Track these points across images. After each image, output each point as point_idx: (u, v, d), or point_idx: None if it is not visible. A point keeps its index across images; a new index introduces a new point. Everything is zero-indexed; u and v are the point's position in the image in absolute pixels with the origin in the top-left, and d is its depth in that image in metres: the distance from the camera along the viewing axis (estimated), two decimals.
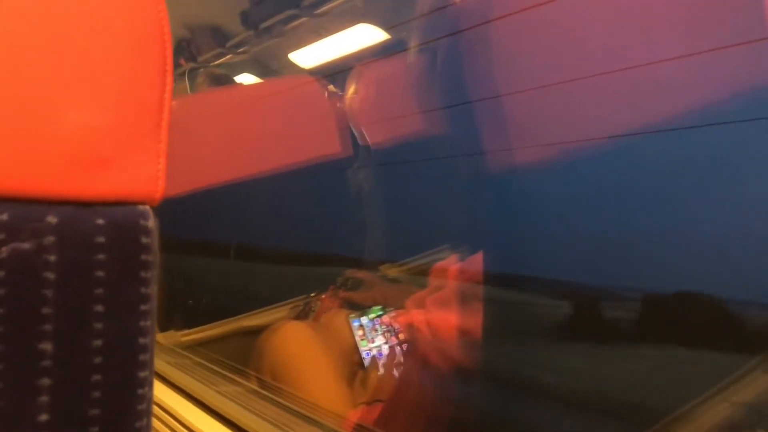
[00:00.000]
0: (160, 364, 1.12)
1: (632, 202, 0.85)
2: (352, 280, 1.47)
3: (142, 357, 0.39)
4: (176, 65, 3.54)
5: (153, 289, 0.40)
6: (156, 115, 0.40)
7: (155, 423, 0.93)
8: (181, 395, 0.98)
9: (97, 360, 0.37)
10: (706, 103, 0.89)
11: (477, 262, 0.80)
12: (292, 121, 1.58)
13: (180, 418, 0.90)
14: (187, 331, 1.37)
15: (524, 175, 0.75)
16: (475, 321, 0.78)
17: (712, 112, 0.88)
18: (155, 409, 0.96)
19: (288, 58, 3.71)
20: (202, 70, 3.31)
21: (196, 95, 2.63)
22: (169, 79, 0.41)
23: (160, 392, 0.99)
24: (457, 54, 0.87)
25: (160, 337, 1.31)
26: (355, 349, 1.19)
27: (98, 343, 0.37)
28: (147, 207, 0.40)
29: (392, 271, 1.57)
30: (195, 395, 0.96)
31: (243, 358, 1.22)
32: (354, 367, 1.19)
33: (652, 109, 0.81)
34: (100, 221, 0.37)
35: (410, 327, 0.87)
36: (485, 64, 0.80)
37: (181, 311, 1.44)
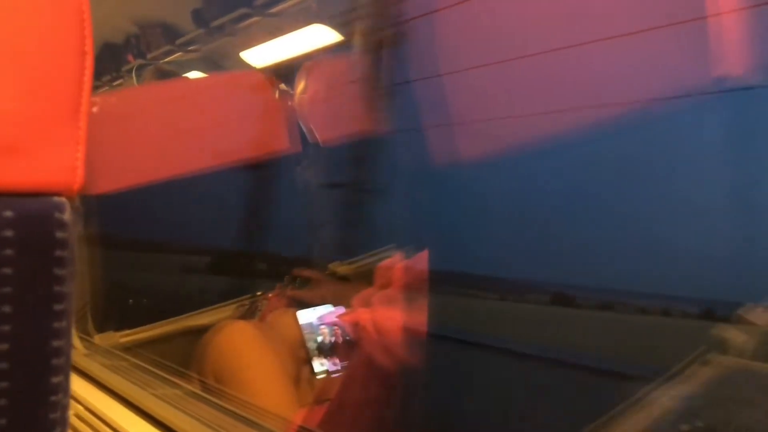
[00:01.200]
0: (94, 366, 1.07)
1: (578, 199, 0.85)
2: (300, 279, 1.43)
3: (55, 361, 0.36)
4: (125, 62, 3.45)
5: (69, 287, 0.37)
6: (73, 100, 0.36)
7: (86, 429, 0.88)
8: (114, 399, 0.93)
9: (3, 366, 0.34)
10: (644, 103, 0.90)
11: (422, 259, 0.78)
12: (239, 117, 1.54)
13: (112, 423, 0.86)
14: (126, 332, 1.31)
15: (467, 171, 0.73)
16: (421, 319, 0.76)
17: (650, 111, 0.89)
18: (86, 414, 0.91)
19: (240, 57, 3.64)
20: (150, 66, 3.22)
21: (137, 88, 2.54)
22: (89, 62, 0.37)
23: (92, 396, 0.94)
24: (401, 52, 0.85)
25: (97, 338, 1.25)
26: (303, 346, 1.16)
27: (4, 347, 0.34)
28: (63, 199, 0.36)
29: (341, 269, 1.55)
30: (129, 399, 0.92)
31: (186, 360, 1.17)
32: (301, 365, 1.16)
33: (593, 108, 0.81)
34: (8, 213, 0.34)
35: (356, 326, 0.85)
36: (427, 64, 0.79)
37: (120, 311, 1.38)
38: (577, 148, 0.81)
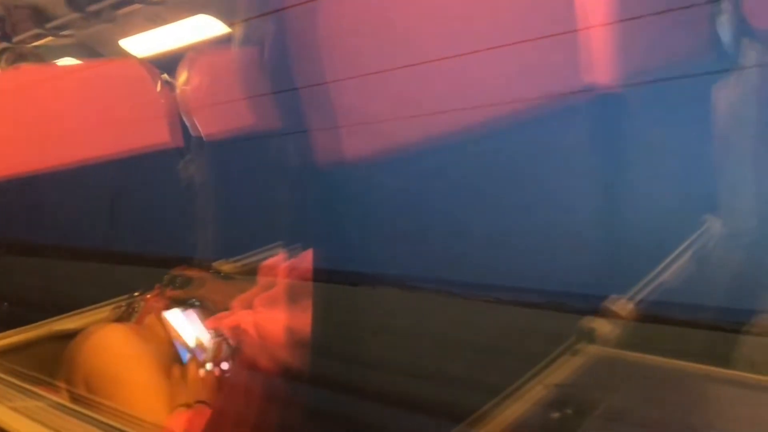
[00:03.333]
0: None
1: (461, 197, 0.86)
2: (181, 278, 1.34)
3: None
4: None
5: None
6: None
7: None
8: None
9: None
10: (521, 106, 0.92)
11: (307, 259, 0.75)
12: (114, 108, 1.43)
13: None
14: None
15: (353, 169, 0.72)
16: (305, 320, 0.73)
17: (526, 113, 0.92)
18: None
19: (119, 45, 3.43)
20: (11, 49, 2.95)
21: None
22: None
23: None
24: (285, 46, 0.82)
25: None
26: (176, 347, 1.08)
27: None
28: None
29: (226, 268, 1.48)
30: None
31: (54, 368, 1.07)
32: (177, 367, 1.08)
33: (479, 107, 0.82)
34: None
35: (237, 329, 0.81)
36: (312, 57, 0.76)
37: None
38: (459, 147, 0.82)
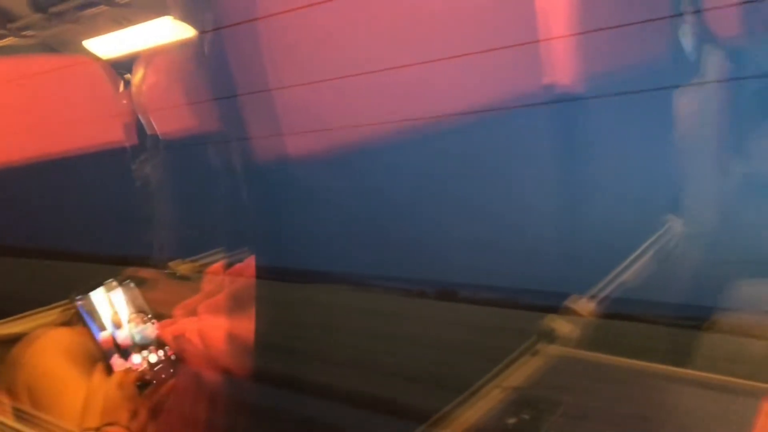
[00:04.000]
0: None
1: (417, 196, 0.83)
2: (134, 279, 1.29)
3: None
4: None
5: None
6: None
7: None
8: None
9: None
10: (477, 103, 0.91)
11: (251, 262, 0.71)
12: (64, 104, 1.37)
13: None
14: None
15: (301, 168, 0.68)
16: (249, 327, 0.69)
17: (485, 115, 0.90)
18: None
19: (82, 46, 3.36)
20: None
21: None
22: None
23: None
24: (232, 46, 0.79)
25: None
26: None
27: None
28: None
29: (183, 268, 1.43)
30: None
31: None
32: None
33: (425, 107, 0.80)
34: None
35: (180, 338, 0.76)
36: (258, 57, 0.73)
37: None
38: (415, 148, 0.79)
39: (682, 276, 1.13)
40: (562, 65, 1.04)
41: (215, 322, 0.72)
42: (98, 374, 0.84)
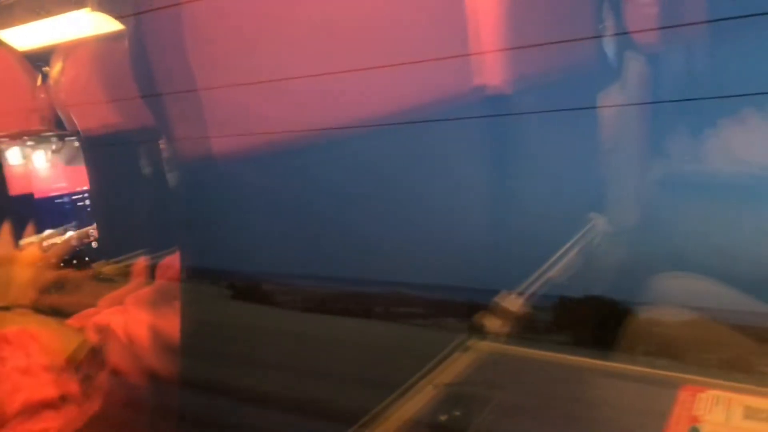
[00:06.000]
0: None
1: (349, 196, 0.82)
2: (57, 281, 1.22)
3: None
4: None
5: None
6: None
7: None
8: None
9: None
10: (408, 106, 0.90)
11: (176, 260, 0.68)
12: None
13: None
14: None
15: (224, 168, 0.66)
16: (175, 322, 0.66)
17: (413, 113, 0.90)
18: None
19: None
20: None
21: None
22: None
23: None
24: (154, 50, 0.76)
25: None
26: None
27: None
28: None
29: (107, 270, 1.36)
30: None
31: None
32: None
33: (356, 109, 0.79)
34: None
35: (105, 329, 0.72)
36: (181, 56, 0.71)
37: None
38: (342, 150, 0.78)
39: (606, 272, 1.16)
40: (490, 73, 1.06)
41: (141, 316, 0.69)
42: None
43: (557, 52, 1.07)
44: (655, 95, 1.36)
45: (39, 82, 1.66)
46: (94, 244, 0.92)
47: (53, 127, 1.38)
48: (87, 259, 0.95)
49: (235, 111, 0.68)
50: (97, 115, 1.27)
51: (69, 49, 1.43)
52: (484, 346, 0.90)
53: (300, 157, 0.71)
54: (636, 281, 1.04)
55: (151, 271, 0.72)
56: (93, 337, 0.77)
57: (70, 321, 0.96)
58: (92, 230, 0.90)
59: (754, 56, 0.96)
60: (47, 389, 0.73)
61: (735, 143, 1.25)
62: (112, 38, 0.94)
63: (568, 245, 1.18)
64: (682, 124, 1.31)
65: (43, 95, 1.57)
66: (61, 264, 0.84)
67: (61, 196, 1.44)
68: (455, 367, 0.86)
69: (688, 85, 1.21)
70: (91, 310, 0.80)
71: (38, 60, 1.80)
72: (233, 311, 0.70)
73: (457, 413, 0.70)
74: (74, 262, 0.88)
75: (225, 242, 0.69)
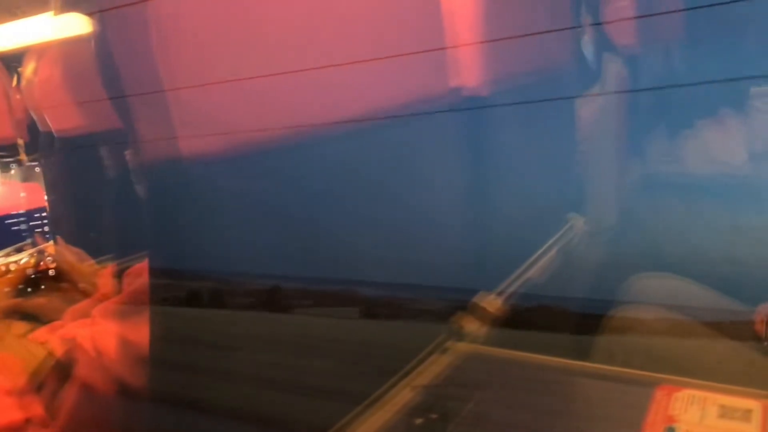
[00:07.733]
0: None
1: (326, 197, 0.81)
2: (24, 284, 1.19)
3: None
4: None
5: None
6: None
7: None
8: None
9: None
10: (387, 104, 0.90)
11: (144, 269, 0.67)
12: None
13: None
14: None
15: (195, 170, 0.65)
16: (144, 333, 0.65)
17: (393, 119, 0.89)
18: None
19: None
20: None
21: None
22: None
23: None
24: (123, 45, 0.74)
25: None
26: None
27: None
28: None
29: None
30: None
31: None
32: None
33: (334, 108, 0.78)
34: None
35: (72, 343, 0.70)
36: (149, 57, 0.69)
37: None
38: (316, 150, 0.77)
39: (584, 271, 1.16)
40: (467, 71, 1.05)
41: (109, 327, 0.67)
42: None
43: (535, 44, 1.07)
44: (636, 93, 1.36)
45: (14, 83, 1.64)
46: (51, 273, 0.93)
47: (26, 129, 1.36)
48: (43, 287, 0.95)
49: (205, 111, 0.67)
50: (70, 116, 1.25)
51: (42, 49, 1.41)
52: (463, 347, 0.90)
53: (272, 157, 0.70)
54: (614, 280, 1.04)
55: (119, 279, 0.70)
56: (59, 351, 0.75)
57: (34, 335, 0.94)
58: (49, 257, 0.91)
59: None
60: (10, 413, 0.71)
61: (712, 144, 1.26)
62: (85, 38, 0.93)
63: (547, 245, 1.18)
64: (661, 123, 1.32)
65: (17, 96, 1.55)
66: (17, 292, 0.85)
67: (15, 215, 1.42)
68: (433, 368, 0.85)
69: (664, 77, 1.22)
70: (56, 323, 0.78)
71: (13, 61, 1.77)
72: (200, 316, 0.69)
73: (434, 416, 0.69)
74: (29, 290, 0.90)
75: (195, 244, 0.67)
